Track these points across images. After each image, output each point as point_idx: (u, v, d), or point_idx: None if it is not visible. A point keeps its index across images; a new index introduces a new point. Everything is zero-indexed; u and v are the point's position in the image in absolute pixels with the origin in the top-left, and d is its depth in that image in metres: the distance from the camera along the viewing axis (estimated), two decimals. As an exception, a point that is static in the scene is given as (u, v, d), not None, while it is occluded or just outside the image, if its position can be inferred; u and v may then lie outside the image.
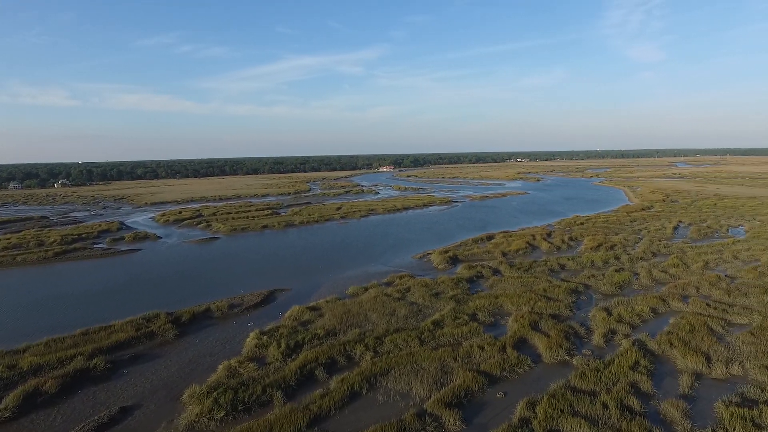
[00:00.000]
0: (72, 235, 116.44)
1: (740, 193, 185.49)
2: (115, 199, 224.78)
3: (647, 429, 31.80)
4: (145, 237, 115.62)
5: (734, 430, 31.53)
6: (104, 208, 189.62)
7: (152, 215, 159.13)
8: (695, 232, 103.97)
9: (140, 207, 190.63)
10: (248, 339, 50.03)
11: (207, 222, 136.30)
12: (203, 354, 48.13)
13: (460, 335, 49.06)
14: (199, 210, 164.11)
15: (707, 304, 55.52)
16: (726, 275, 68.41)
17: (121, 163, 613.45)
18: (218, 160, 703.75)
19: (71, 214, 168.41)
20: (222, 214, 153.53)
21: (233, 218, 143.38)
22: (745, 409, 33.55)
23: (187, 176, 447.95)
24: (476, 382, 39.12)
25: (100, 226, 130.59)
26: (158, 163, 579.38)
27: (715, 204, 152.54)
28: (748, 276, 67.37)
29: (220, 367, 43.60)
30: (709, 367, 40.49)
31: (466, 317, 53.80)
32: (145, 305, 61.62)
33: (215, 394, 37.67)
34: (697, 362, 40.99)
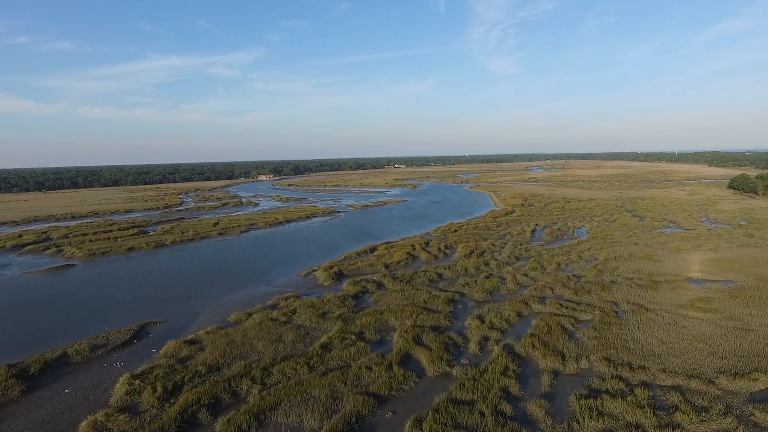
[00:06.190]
0: None
1: (581, 196, 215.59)
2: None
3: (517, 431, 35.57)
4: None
5: (584, 420, 36.69)
6: None
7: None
8: (549, 234, 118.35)
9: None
10: (117, 385, 45.14)
11: (57, 246, 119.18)
12: (60, 410, 42.16)
13: (348, 357, 49.79)
14: (45, 232, 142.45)
15: (560, 304, 63.67)
16: (574, 275, 79.10)
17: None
18: (69, 169, 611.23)
19: None
20: (76, 235, 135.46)
21: (91, 240, 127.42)
22: (591, 400, 39.26)
23: (27, 190, 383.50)
24: (366, 405, 40.06)
25: None
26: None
27: (563, 207, 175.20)
28: (590, 274, 78.71)
29: (84, 424, 38.66)
30: (564, 364, 46.52)
31: (353, 337, 54.79)
32: (-24, 359, 51.82)
33: (78, 460, 33.38)
34: (554, 361, 46.84)
